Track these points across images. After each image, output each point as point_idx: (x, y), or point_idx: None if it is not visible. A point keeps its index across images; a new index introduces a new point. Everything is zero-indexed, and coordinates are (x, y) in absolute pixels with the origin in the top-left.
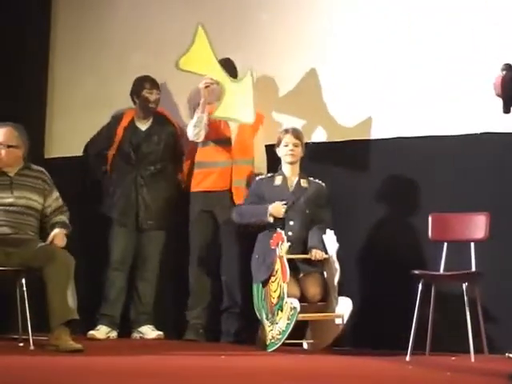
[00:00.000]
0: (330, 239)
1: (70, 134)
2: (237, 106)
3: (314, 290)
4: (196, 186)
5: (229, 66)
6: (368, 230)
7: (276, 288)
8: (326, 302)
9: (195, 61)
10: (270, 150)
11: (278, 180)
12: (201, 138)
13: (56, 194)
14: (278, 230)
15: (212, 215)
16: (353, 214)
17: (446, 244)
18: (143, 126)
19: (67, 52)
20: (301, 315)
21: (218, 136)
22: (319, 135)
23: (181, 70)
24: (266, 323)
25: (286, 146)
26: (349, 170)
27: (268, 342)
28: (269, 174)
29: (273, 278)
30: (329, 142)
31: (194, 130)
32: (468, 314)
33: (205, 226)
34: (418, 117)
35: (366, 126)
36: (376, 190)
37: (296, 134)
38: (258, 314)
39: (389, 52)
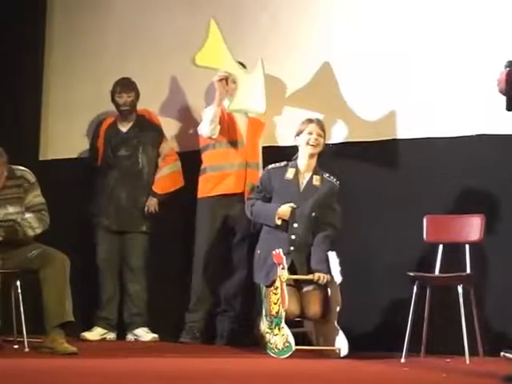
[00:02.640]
0: (333, 261)
1: (65, 136)
2: (249, 98)
3: (314, 308)
4: (209, 191)
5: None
6: (363, 231)
7: (276, 302)
8: (326, 319)
9: (210, 56)
10: (275, 150)
11: (290, 173)
12: (216, 135)
13: (34, 192)
14: (277, 250)
15: (225, 220)
16: (348, 216)
17: (441, 246)
18: (124, 128)
19: (63, 53)
20: (296, 347)
21: (230, 137)
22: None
23: (197, 67)
24: (265, 321)
25: (311, 134)
26: (345, 171)
27: (265, 342)
28: (282, 163)
29: (274, 290)
30: (327, 144)
31: (210, 125)
32: (463, 315)
33: (217, 231)
34: (414, 119)
35: (363, 128)
36: (372, 191)
37: (321, 125)
38: (259, 306)
39: (386, 55)
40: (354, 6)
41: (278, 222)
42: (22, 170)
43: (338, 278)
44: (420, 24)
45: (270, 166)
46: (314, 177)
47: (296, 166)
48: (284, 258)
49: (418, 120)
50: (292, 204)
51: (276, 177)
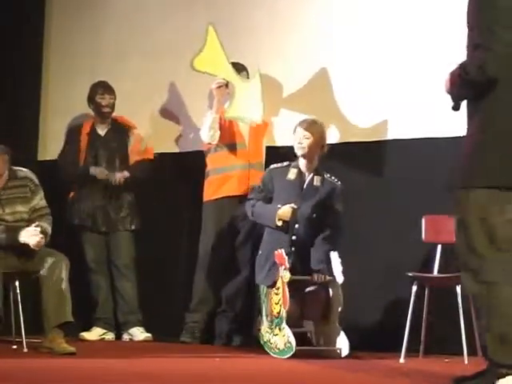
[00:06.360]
0: (335, 261)
1: (64, 137)
2: (246, 106)
3: (315, 309)
4: (213, 194)
5: (240, 69)
6: (362, 231)
7: (277, 302)
8: (327, 320)
9: (208, 61)
10: (275, 151)
11: (292, 174)
12: (216, 141)
13: (40, 194)
14: (279, 250)
15: (229, 221)
16: (346, 216)
17: (439, 246)
18: (102, 131)
19: (62, 53)
20: (297, 348)
21: (232, 140)
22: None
23: (195, 71)
24: (265, 321)
25: (296, 137)
26: (344, 171)
27: (263, 341)
28: (285, 163)
29: (275, 290)
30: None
31: (209, 132)
32: (461, 316)
33: (221, 233)
34: (413, 119)
35: (361, 129)
36: (369, 191)
37: (305, 125)
38: (259, 306)
39: (380, 56)
40: (352, 9)
41: (279, 223)
42: (24, 170)
43: (339, 278)
44: (410, 29)
45: (273, 166)
46: (315, 177)
47: (298, 167)
48: (286, 258)
49: (418, 120)
50: (293, 204)
51: (278, 177)
